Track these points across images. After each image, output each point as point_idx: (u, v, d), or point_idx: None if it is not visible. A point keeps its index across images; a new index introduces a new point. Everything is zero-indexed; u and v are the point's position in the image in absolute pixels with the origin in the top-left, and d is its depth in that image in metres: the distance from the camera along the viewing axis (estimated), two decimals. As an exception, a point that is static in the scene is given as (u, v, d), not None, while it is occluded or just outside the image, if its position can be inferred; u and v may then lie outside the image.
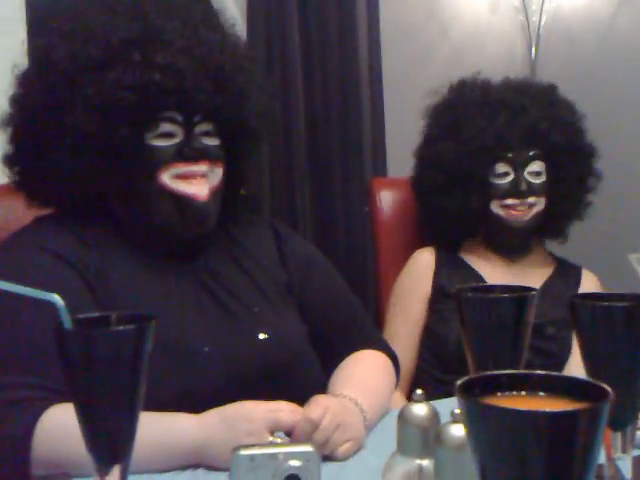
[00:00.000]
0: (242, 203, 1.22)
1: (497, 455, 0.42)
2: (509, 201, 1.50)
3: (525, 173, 1.50)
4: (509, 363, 0.72)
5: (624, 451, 0.61)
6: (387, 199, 1.72)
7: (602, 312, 0.63)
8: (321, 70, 1.98)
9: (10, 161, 1.08)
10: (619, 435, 0.62)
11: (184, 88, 1.01)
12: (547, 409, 0.40)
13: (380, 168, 2.08)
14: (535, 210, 1.51)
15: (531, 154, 1.50)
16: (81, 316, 0.61)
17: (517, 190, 1.49)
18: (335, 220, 2.02)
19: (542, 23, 2.21)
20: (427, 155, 1.57)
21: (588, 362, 0.64)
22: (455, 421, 0.68)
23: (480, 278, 1.52)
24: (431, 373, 1.49)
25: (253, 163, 1.24)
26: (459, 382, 0.43)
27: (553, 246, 1.68)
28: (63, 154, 1.02)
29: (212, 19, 1.12)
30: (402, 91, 2.11)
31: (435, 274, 1.54)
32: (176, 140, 1.04)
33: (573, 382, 0.43)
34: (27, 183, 1.09)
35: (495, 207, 1.51)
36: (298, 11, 1.95)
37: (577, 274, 1.59)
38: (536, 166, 1.50)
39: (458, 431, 0.67)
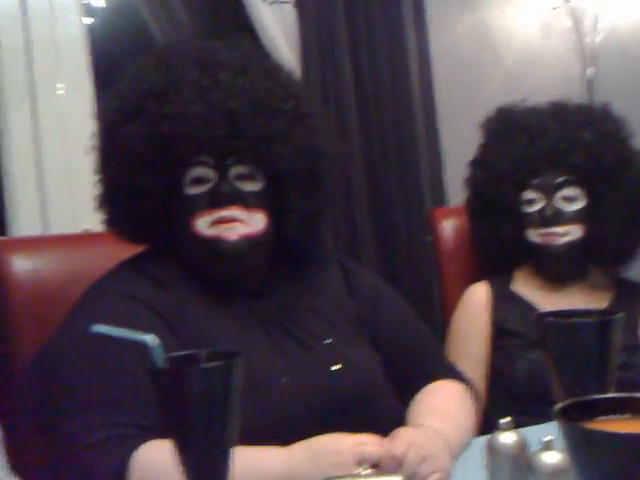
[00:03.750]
0: (308, 242, 1.19)
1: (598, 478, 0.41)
2: (541, 230, 1.45)
3: (556, 199, 1.44)
4: (597, 388, 0.70)
5: None
6: (449, 228, 1.72)
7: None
8: (375, 102, 2.01)
9: (98, 202, 1.14)
10: None
11: (196, 135, 1.01)
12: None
13: (439, 197, 2.08)
14: (568, 239, 1.44)
15: (561, 179, 1.44)
16: (172, 355, 0.63)
17: (543, 218, 1.44)
18: (397, 251, 2.02)
19: (597, 43, 2.19)
20: (466, 183, 1.58)
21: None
22: (547, 448, 0.67)
23: (537, 310, 1.45)
24: (500, 405, 1.44)
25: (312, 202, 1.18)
26: (557, 408, 0.42)
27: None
28: (119, 204, 1.09)
29: (246, 63, 1.09)
30: (458, 120, 2.11)
31: (492, 311, 1.50)
32: (209, 185, 1.04)
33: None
34: (112, 222, 1.14)
35: (531, 235, 1.47)
36: (349, 48, 1.99)
37: None
38: (569, 191, 1.44)
39: (551, 458, 0.66)
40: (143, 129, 1.02)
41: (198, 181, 1.05)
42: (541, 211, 1.45)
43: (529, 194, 1.47)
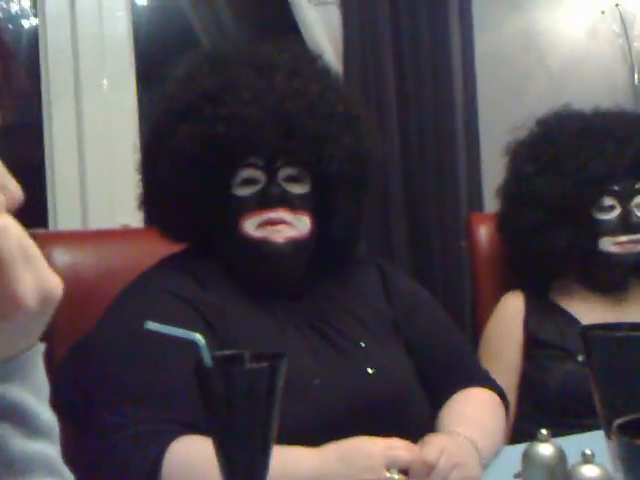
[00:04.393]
0: (348, 244, 1.21)
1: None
2: (622, 238, 1.42)
3: (632, 206, 1.42)
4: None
5: None
6: (485, 234, 1.69)
7: None
8: (416, 104, 2.00)
9: (141, 201, 1.15)
10: None
11: (250, 137, 1.03)
12: None
13: (476, 202, 2.06)
14: None
15: (638, 186, 1.42)
16: (218, 354, 0.63)
17: (629, 225, 1.41)
18: (431, 256, 2.01)
19: (645, 49, 2.15)
20: (522, 193, 1.49)
21: None
22: (586, 462, 0.66)
23: (575, 321, 1.45)
24: (530, 415, 1.43)
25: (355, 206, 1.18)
26: (616, 424, 0.41)
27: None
28: (165, 203, 1.09)
29: (298, 65, 1.11)
30: (498, 124, 2.08)
31: (525, 321, 1.48)
32: (258, 186, 1.05)
33: None
34: (155, 221, 1.15)
35: (606, 244, 1.43)
36: (392, 46, 1.98)
37: None
38: None
39: (590, 472, 0.65)
40: (197, 130, 1.03)
41: (247, 182, 1.06)
42: (623, 218, 1.42)
43: (608, 200, 1.43)
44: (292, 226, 1.05)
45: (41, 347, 0.54)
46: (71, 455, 0.58)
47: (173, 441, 0.90)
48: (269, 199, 1.04)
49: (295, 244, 1.05)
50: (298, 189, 1.07)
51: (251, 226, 1.04)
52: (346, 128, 1.09)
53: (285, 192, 1.05)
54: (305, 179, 1.08)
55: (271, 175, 1.05)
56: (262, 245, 1.04)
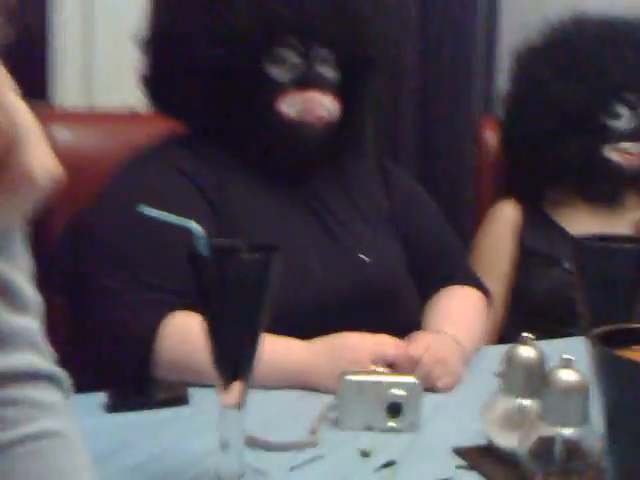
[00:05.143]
0: (354, 136, 1.21)
1: (625, 410, 0.42)
2: (627, 144, 1.43)
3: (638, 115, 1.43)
4: (625, 313, 0.71)
5: None
6: (494, 139, 1.67)
7: None
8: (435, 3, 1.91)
9: (147, 82, 1.14)
10: None
11: (300, 13, 1.03)
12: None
13: (489, 105, 2.02)
14: None
15: None
16: (214, 242, 0.64)
17: (636, 132, 1.42)
18: (438, 158, 1.99)
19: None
20: (536, 98, 1.48)
21: None
22: (565, 366, 0.67)
23: (565, 230, 1.47)
24: (519, 324, 1.44)
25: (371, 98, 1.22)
26: (595, 332, 0.42)
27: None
28: (188, 84, 1.08)
29: None
30: (517, 28, 2.01)
31: (518, 229, 1.50)
32: (294, 67, 1.07)
33: None
34: (162, 101, 1.15)
35: (609, 151, 1.44)
36: None
37: None
38: None
39: (568, 376, 0.66)
40: (245, 9, 1.02)
41: (281, 62, 1.06)
42: (632, 125, 1.43)
43: (621, 108, 1.44)
44: (326, 108, 1.08)
45: (23, 230, 0.54)
46: (62, 337, 0.59)
47: (170, 312, 0.92)
48: (307, 79, 1.06)
49: (328, 128, 1.08)
50: (330, 72, 1.09)
51: (287, 106, 1.06)
52: (380, 11, 1.12)
53: (321, 74, 1.07)
54: (334, 63, 1.09)
55: (307, 57, 1.07)
56: (298, 126, 1.06)
